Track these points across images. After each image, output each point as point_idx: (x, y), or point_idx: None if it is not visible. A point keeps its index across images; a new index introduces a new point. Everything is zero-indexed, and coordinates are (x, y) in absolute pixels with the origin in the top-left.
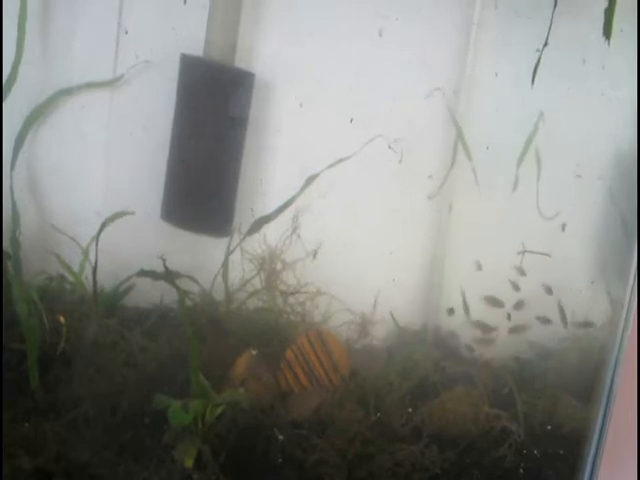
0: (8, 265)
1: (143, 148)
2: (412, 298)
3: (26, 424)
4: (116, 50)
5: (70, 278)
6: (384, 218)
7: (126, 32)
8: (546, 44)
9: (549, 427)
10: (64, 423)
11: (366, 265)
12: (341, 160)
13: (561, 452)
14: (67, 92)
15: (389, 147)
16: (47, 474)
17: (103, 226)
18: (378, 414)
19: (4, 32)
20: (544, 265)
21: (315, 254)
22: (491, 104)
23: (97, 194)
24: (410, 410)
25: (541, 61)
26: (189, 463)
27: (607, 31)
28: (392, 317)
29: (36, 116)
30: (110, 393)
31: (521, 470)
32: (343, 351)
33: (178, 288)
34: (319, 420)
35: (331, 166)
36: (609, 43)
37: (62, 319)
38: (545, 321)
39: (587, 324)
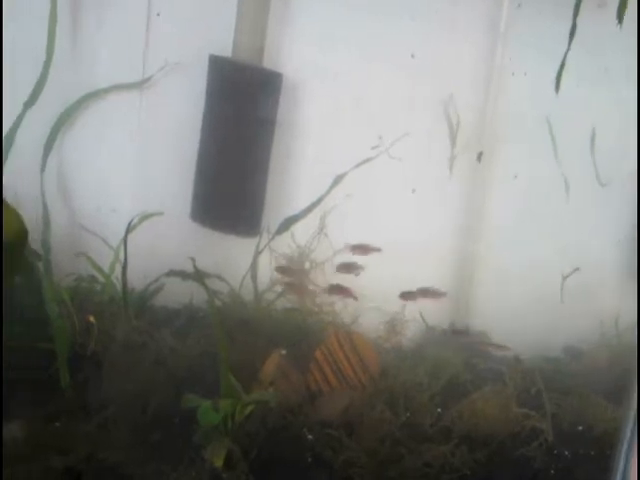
0: (39, 266)
1: (173, 149)
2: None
3: (57, 423)
4: (145, 52)
5: (100, 278)
6: (411, 214)
7: (158, 14)
8: (568, 50)
9: (580, 428)
10: (94, 423)
11: (395, 264)
12: (368, 160)
13: (592, 453)
14: (96, 94)
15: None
16: (77, 473)
17: (130, 227)
18: (407, 414)
19: (35, 35)
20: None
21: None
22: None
23: (127, 195)
24: (439, 410)
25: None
26: (219, 463)
27: (620, 15)
28: (421, 317)
29: (66, 118)
30: (140, 393)
31: (552, 471)
32: (372, 351)
33: (207, 288)
34: (348, 420)
35: (358, 165)
36: (621, 27)
37: (92, 319)
38: None
39: None
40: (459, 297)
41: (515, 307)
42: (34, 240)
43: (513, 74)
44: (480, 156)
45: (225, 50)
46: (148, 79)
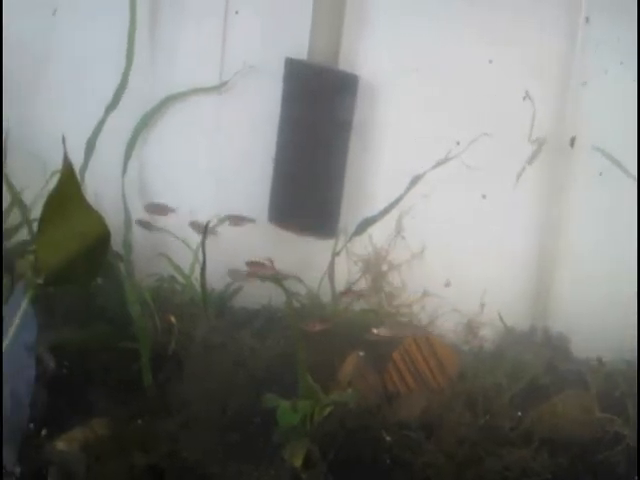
0: (121, 267)
1: (250, 151)
2: (519, 297)
3: (139, 422)
4: (222, 51)
5: (180, 279)
6: (488, 214)
7: (236, 12)
8: None
9: None
10: (176, 421)
11: (471, 264)
12: (446, 160)
13: None
14: (175, 98)
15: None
16: (160, 471)
17: (207, 229)
18: (486, 416)
19: (115, 40)
20: None
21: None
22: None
23: (206, 197)
24: (519, 413)
25: None
26: (298, 462)
27: None
28: (500, 318)
29: (146, 122)
30: (219, 393)
31: (635, 477)
32: (450, 352)
33: (285, 289)
34: (426, 422)
35: (435, 166)
36: None
37: (173, 320)
38: None
39: None
40: (538, 298)
41: (597, 308)
42: (115, 242)
43: (584, 84)
44: (573, 141)
45: (300, 48)
46: (226, 82)
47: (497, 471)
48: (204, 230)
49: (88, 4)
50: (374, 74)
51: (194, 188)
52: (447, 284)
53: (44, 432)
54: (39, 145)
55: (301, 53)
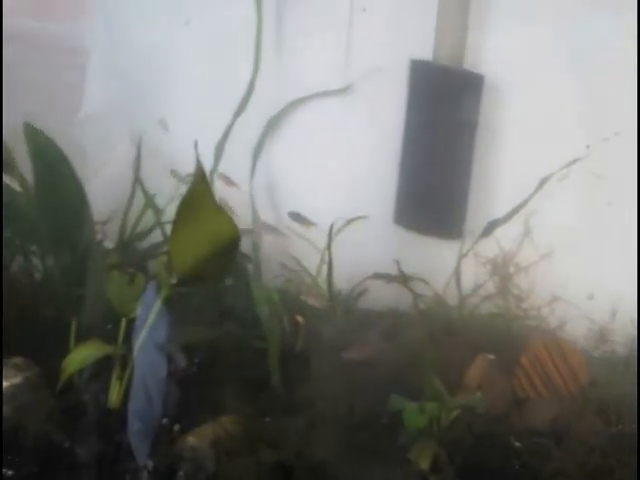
0: (249, 268)
1: (375, 153)
2: None
3: (267, 419)
4: (346, 57)
5: (307, 280)
6: (616, 218)
7: (364, 10)
8: None
9: None
10: (302, 420)
11: (603, 268)
12: (574, 161)
13: None
14: (300, 101)
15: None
16: (288, 469)
17: (335, 230)
18: (619, 425)
19: (241, 45)
20: None
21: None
22: None
23: (333, 199)
24: None
25: None
26: (425, 465)
27: None
28: (633, 325)
29: (272, 125)
30: (345, 393)
31: None
32: (581, 359)
33: (412, 291)
34: (556, 429)
35: (564, 167)
36: None
37: (300, 320)
38: None
39: None
40: None
41: None
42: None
43: None
44: None
45: (426, 48)
46: (351, 85)
47: None
48: (330, 232)
49: (219, 15)
50: (499, 73)
51: (320, 191)
52: (590, 297)
53: (176, 428)
54: (170, 150)
55: (427, 53)
